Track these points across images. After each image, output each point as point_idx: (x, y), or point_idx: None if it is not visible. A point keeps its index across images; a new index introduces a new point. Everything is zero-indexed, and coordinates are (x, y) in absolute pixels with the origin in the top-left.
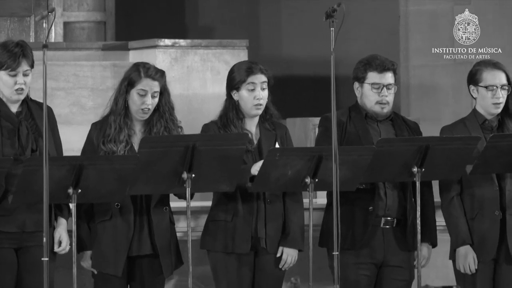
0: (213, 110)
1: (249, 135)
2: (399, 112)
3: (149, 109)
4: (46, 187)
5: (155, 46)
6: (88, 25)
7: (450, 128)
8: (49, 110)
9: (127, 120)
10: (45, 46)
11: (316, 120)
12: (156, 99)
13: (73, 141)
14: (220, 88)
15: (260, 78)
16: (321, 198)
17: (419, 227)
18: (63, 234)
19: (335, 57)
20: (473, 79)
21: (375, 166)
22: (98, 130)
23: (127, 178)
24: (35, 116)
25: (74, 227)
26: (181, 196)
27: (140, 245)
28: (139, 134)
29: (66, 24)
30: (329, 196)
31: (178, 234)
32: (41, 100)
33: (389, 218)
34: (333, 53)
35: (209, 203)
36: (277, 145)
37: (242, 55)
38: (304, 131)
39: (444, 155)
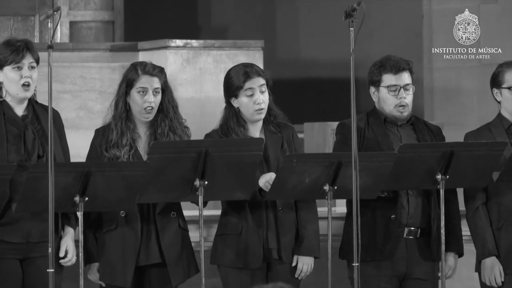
0: None
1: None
2: (422, 116)
3: (152, 107)
4: (52, 195)
5: (166, 47)
6: (95, 25)
7: (474, 134)
8: (56, 114)
9: (129, 123)
10: (50, 47)
11: (335, 124)
12: (159, 97)
13: (80, 147)
14: None
15: (257, 82)
16: (340, 207)
17: (443, 238)
18: (69, 244)
19: (355, 59)
20: (495, 81)
21: (397, 173)
22: (101, 136)
23: (136, 185)
24: (41, 120)
25: (81, 237)
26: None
27: (148, 254)
28: (144, 137)
29: (72, 24)
30: (349, 205)
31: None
32: (46, 104)
33: (412, 228)
34: (352, 54)
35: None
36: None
37: (257, 56)
38: (322, 136)
39: (470, 161)
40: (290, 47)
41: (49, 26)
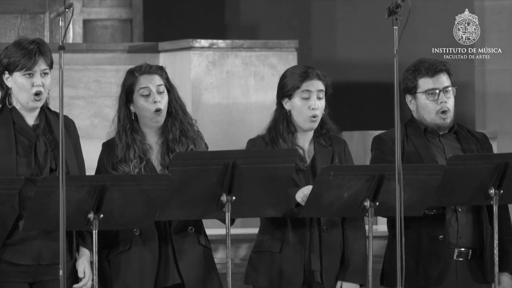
0: (256, 122)
1: (301, 151)
2: (473, 124)
3: (161, 109)
4: (63, 212)
5: (190, 48)
6: (111, 24)
7: None
8: (71, 123)
9: (136, 135)
10: (62, 48)
11: (377, 133)
12: (165, 96)
13: (94, 158)
14: (264, 96)
15: (316, 85)
16: (382, 225)
17: (496, 258)
18: (86, 267)
19: (399, 61)
20: None
21: (445, 188)
22: (108, 152)
23: (157, 201)
24: (54, 130)
25: (95, 258)
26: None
27: (166, 275)
28: (156, 147)
29: (86, 22)
30: (391, 227)
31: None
32: (58, 110)
33: (463, 250)
34: (396, 55)
35: (251, 230)
36: None
37: (290, 58)
38: (363, 146)
39: None
40: (327, 48)
41: (60, 25)
